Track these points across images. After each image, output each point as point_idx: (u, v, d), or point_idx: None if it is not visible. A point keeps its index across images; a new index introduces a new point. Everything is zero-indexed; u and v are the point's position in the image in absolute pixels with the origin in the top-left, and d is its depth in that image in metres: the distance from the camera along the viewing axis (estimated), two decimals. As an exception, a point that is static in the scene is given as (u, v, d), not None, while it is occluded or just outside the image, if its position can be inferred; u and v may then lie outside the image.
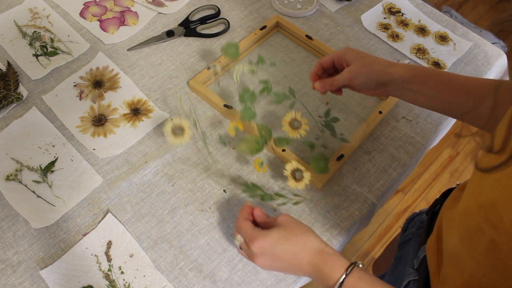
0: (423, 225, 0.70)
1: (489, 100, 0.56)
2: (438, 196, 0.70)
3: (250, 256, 0.56)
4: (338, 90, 0.69)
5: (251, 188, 0.68)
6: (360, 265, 0.52)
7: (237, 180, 0.70)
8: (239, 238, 0.58)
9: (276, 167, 0.72)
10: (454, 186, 0.67)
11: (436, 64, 0.87)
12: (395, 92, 0.64)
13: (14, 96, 0.76)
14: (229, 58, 0.78)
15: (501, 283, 0.40)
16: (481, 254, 0.41)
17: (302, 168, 0.66)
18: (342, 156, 0.72)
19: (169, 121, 0.65)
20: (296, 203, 0.69)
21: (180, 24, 0.89)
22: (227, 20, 0.89)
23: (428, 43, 0.91)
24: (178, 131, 0.65)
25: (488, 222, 0.38)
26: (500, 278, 0.39)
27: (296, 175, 0.65)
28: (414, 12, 0.96)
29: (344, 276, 0.50)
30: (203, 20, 0.90)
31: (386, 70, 0.62)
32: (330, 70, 0.69)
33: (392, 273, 0.72)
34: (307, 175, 0.65)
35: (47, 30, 0.86)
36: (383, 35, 0.91)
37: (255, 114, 0.70)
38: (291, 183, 0.65)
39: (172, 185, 0.70)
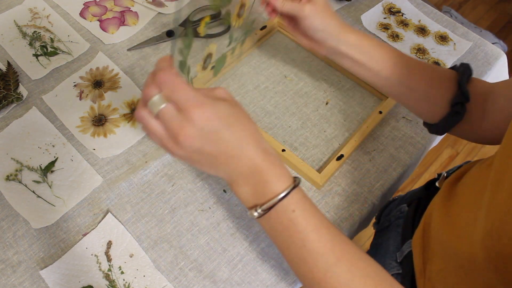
0: (403, 215, 0.68)
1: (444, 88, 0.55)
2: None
3: (177, 129, 0.40)
4: (273, 13, 0.63)
5: (186, 44, 0.51)
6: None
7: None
8: (157, 101, 0.40)
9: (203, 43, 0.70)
10: (435, 177, 0.66)
11: (436, 64, 0.87)
12: (332, 54, 0.62)
13: (14, 96, 0.76)
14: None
15: None
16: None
17: (213, 60, 0.60)
18: (342, 156, 0.72)
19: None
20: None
21: (180, 24, 0.89)
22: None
23: (428, 43, 0.91)
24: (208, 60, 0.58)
25: None
26: None
27: (206, 62, 0.57)
28: (414, 12, 0.96)
29: (289, 189, 0.42)
30: (203, 20, 0.90)
31: (341, 29, 0.60)
32: None
33: None
34: (209, 68, 0.60)
35: (47, 30, 0.86)
36: (383, 35, 0.91)
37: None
38: (198, 66, 0.57)
39: (172, 185, 0.70)
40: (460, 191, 0.53)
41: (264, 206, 0.42)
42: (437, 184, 0.65)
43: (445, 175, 0.65)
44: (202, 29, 0.61)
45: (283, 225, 0.42)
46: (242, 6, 0.63)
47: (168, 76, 0.40)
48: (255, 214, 0.43)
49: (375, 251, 0.71)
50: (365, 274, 0.40)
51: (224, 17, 0.62)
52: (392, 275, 0.59)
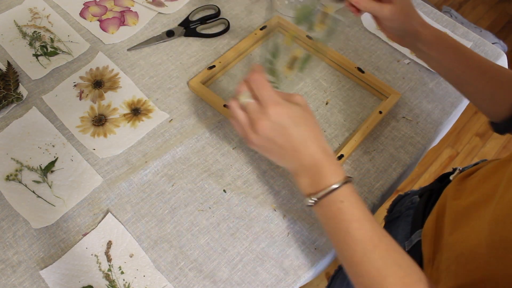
0: (414, 206, 0.69)
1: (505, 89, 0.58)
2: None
3: (258, 119, 0.50)
4: (358, 12, 0.66)
5: (271, 58, 0.65)
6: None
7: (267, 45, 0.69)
8: (245, 96, 0.52)
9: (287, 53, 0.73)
10: (450, 170, 0.68)
11: (436, 64, 0.87)
12: (412, 49, 0.67)
13: (14, 96, 0.76)
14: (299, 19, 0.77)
15: None
16: None
17: (300, 60, 0.68)
18: (342, 156, 0.72)
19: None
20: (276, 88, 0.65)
21: (180, 24, 0.89)
22: (227, 20, 0.89)
23: (428, 43, 0.91)
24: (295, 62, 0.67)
25: None
26: None
27: (294, 64, 0.66)
28: (414, 12, 0.96)
29: (341, 183, 0.49)
30: (203, 20, 0.90)
31: (418, 29, 0.63)
32: None
33: None
34: (294, 70, 0.68)
35: (47, 30, 0.86)
36: (383, 35, 0.91)
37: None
38: (285, 68, 0.67)
39: (172, 185, 0.70)
40: (474, 184, 0.54)
41: (318, 195, 0.50)
42: (451, 178, 0.66)
43: (460, 169, 0.66)
44: (288, 41, 0.71)
45: (332, 212, 0.49)
46: (324, 13, 0.70)
47: (257, 76, 0.51)
48: (310, 201, 0.51)
49: None
50: (397, 263, 0.45)
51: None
52: None
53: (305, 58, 0.70)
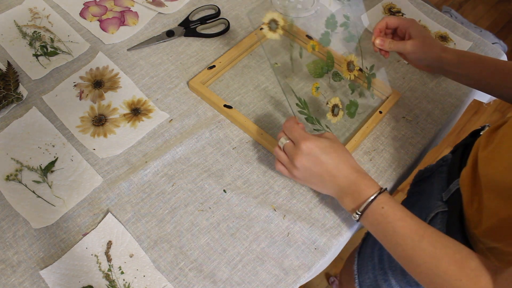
0: (447, 162, 0.74)
1: None
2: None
3: (295, 155, 0.60)
4: (387, 54, 0.76)
5: (302, 104, 0.70)
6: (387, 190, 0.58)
7: (296, 95, 0.72)
8: (283, 140, 0.62)
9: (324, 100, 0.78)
10: (479, 128, 0.73)
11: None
12: (440, 72, 0.74)
13: (14, 96, 0.76)
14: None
15: None
16: None
17: (340, 106, 0.73)
18: (342, 156, 0.72)
19: (268, 13, 0.68)
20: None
21: (180, 24, 0.89)
22: (227, 20, 0.89)
23: (428, 43, 0.91)
24: (273, 25, 0.68)
25: None
26: None
27: (334, 111, 0.72)
28: (414, 12, 0.96)
29: (378, 193, 0.56)
30: (203, 20, 0.90)
31: (441, 55, 0.70)
32: (388, 31, 0.77)
33: (413, 208, 0.74)
34: (340, 114, 0.73)
35: (47, 30, 0.86)
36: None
37: (330, 41, 0.76)
38: (329, 115, 0.72)
39: (172, 185, 0.70)
40: (504, 131, 0.59)
41: (361, 208, 0.57)
42: (481, 133, 0.70)
43: (489, 125, 0.70)
44: (314, 93, 0.73)
45: (377, 220, 0.56)
46: (350, 62, 0.76)
47: (288, 123, 0.62)
48: (356, 215, 0.58)
49: (417, 199, 0.76)
50: (445, 245, 0.50)
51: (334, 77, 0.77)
52: (437, 213, 0.66)
53: (349, 105, 0.75)
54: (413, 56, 0.72)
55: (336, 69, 0.79)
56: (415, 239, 0.52)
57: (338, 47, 0.81)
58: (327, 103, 0.72)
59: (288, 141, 0.62)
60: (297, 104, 0.70)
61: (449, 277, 0.48)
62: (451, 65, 0.70)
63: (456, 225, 0.63)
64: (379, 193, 0.57)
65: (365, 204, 0.56)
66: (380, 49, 0.75)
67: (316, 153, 0.59)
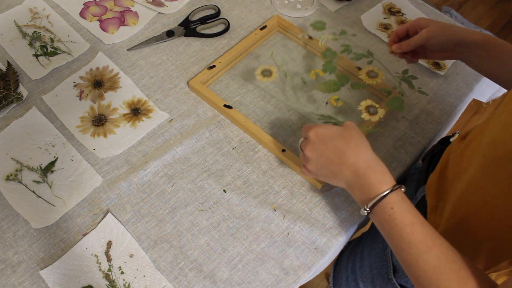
0: (418, 171, 0.73)
1: None
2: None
3: (305, 147, 0.59)
4: (414, 57, 0.73)
5: (326, 118, 0.72)
6: (403, 190, 0.54)
7: (312, 115, 0.73)
8: (300, 140, 0.62)
9: (352, 107, 0.77)
10: (449, 135, 0.72)
11: (436, 64, 0.87)
12: (466, 55, 0.67)
13: (14, 96, 0.76)
14: (316, 29, 0.83)
15: None
16: (506, 180, 0.43)
17: (376, 105, 0.71)
18: (342, 156, 0.72)
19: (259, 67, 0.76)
20: (370, 131, 0.72)
21: (180, 24, 0.89)
22: (227, 20, 0.89)
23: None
24: (267, 73, 0.75)
25: None
26: None
27: (370, 110, 0.71)
28: (414, 12, 0.96)
29: (389, 191, 0.52)
30: (203, 20, 0.90)
31: (462, 33, 0.65)
32: (404, 39, 0.73)
33: None
34: (381, 111, 0.71)
35: (47, 30, 0.86)
36: (383, 35, 0.91)
37: (335, 67, 0.77)
38: (365, 115, 0.70)
39: (172, 185, 0.70)
40: (474, 132, 0.58)
41: (369, 204, 0.53)
42: (451, 140, 0.69)
43: (459, 132, 0.69)
44: (335, 104, 0.74)
45: (385, 219, 0.52)
46: (370, 71, 0.76)
47: (304, 126, 0.61)
48: (364, 211, 0.54)
49: None
50: (451, 260, 0.47)
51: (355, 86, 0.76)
52: None
53: (391, 101, 0.74)
54: (434, 41, 0.67)
55: (354, 80, 0.78)
56: (421, 249, 0.49)
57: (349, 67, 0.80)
58: (326, 103, 0.72)
59: (302, 139, 0.61)
60: (319, 119, 0.72)
61: None
62: (476, 44, 0.64)
63: None
64: (391, 191, 0.52)
65: (373, 201, 0.53)
66: (405, 54, 0.73)
67: (322, 138, 0.57)
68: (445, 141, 0.71)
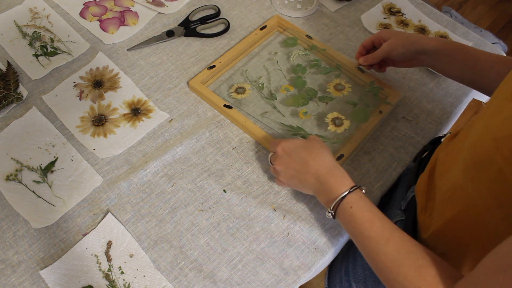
0: (409, 171, 0.73)
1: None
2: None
3: (274, 161, 0.63)
4: (382, 67, 0.78)
5: (295, 129, 0.75)
6: (363, 191, 0.58)
7: (284, 124, 0.76)
8: (269, 155, 0.66)
9: (320, 119, 0.78)
10: (440, 135, 0.73)
11: (436, 64, 0.87)
12: (428, 62, 0.71)
13: (14, 96, 0.76)
14: (287, 46, 0.87)
15: (499, 211, 0.44)
16: (485, 183, 0.45)
17: (342, 117, 0.76)
18: (342, 156, 0.72)
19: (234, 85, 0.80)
20: (334, 143, 0.74)
21: (180, 24, 0.89)
22: (227, 20, 0.89)
23: (428, 43, 0.91)
24: (240, 90, 0.79)
25: (499, 153, 0.41)
26: (500, 206, 0.44)
27: (336, 122, 0.75)
28: (414, 12, 0.96)
29: (347, 192, 0.56)
30: (203, 20, 0.90)
31: (421, 41, 0.69)
32: (371, 51, 0.78)
33: None
34: (346, 122, 0.75)
35: (47, 30, 0.86)
36: (383, 35, 0.91)
37: (305, 82, 0.81)
38: (331, 127, 0.75)
39: (172, 185, 0.70)
40: (461, 133, 0.59)
41: (331, 206, 0.57)
42: (442, 140, 0.69)
43: (451, 132, 0.69)
44: (303, 117, 0.77)
45: (346, 219, 0.56)
46: (337, 85, 0.81)
47: (271, 142, 0.66)
48: (328, 214, 0.58)
49: (383, 209, 0.75)
50: (410, 251, 0.49)
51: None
52: (396, 222, 0.67)
53: (356, 112, 0.77)
54: (395, 52, 0.71)
55: (323, 94, 0.80)
56: (380, 243, 0.51)
57: (318, 81, 0.82)
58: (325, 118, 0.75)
59: (271, 154, 0.66)
60: (288, 131, 0.75)
61: (408, 283, 0.47)
62: (436, 51, 0.68)
63: (410, 234, 0.61)
64: (349, 192, 0.56)
65: (334, 203, 0.56)
66: (373, 66, 0.78)
67: (288, 152, 0.62)
68: (437, 141, 0.71)
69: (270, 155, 0.66)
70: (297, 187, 0.64)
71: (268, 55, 0.86)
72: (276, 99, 0.79)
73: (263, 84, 0.81)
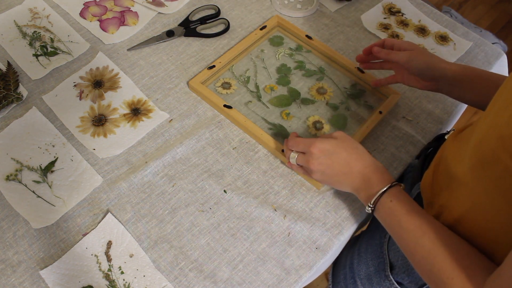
0: (413, 168, 0.74)
1: None
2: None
3: (308, 162, 0.62)
4: (380, 66, 0.76)
5: (277, 127, 0.76)
6: (402, 187, 0.59)
7: (267, 121, 0.77)
8: (293, 155, 0.65)
9: (301, 121, 0.78)
10: (444, 132, 0.73)
11: (436, 64, 0.87)
12: (445, 87, 0.68)
13: (14, 96, 0.76)
14: (274, 45, 0.88)
15: (506, 210, 0.44)
16: (492, 181, 0.45)
17: (323, 121, 0.77)
18: (342, 156, 0.72)
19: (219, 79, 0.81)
20: None
21: (180, 24, 0.89)
22: (227, 20, 0.89)
23: (428, 43, 0.91)
24: (226, 85, 0.80)
25: (505, 151, 0.41)
26: (507, 205, 0.44)
27: (317, 126, 0.76)
28: (414, 12, 0.96)
29: (388, 186, 0.58)
30: (203, 20, 0.90)
31: (441, 65, 0.67)
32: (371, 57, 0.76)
33: None
34: (326, 127, 0.77)
35: (47, 30, 0.86)
36: (383, 35, 0.91)
37: (289, 81, 0.82)
38: (312, 130, 0.76)
39: (173, 186, 0.70)
40: (466, 131, 0.59)
41: (372, 201, 0.58)
42: (446, 137, 0.69)
43: (454, 129, 0.70)
44: (286, 118, 0.77)
45: (386, 213, 0.57)
46: (319, 88, 0.82)
47: (291, 140, 0.66)
48: (368, 209, 0.59)
49: None
50: (445, 243, 0.50)
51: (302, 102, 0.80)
52: None
53: (335, 118, 0.78)
54: (414, 64, 0.68)
55: (306, 96, 0.80)
56: (417, 235, 0.52)
57: (302, 83, 0.82)
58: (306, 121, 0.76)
59: (297, 154, 0.65)
60: (270, 129, 0.76)
61: (442, 275, 0.48)
62: (455, 77, 0.66)
63: None
64: (390, 187, 0.58)
65: (375, 197, 0.58)
66: (372, 62, 0.76)
67: (327, 152, 0.61)
68: (440, 138, 0.71)
69: (295, 156, 0.65)
70: (332, 185, 0.65)
71: (257, 52, 0.86)
72: (260, 97, 0.80)
73: (249, 77, 0.82)
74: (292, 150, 0.65)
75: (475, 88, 0.66)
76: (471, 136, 0.51)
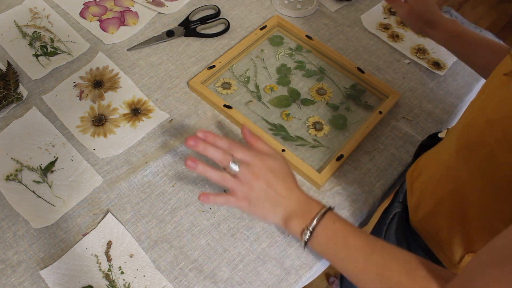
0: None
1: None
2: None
3: (246, 178, 0.55)
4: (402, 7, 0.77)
5: (277, 128, 0.76)
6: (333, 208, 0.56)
7: (267, 121, 0.77)
8: (233, 166, 0.56)
9: (301, 121, 0.77)
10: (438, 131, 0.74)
11: (436, 64, 0.87)
12: (433, 35, 0.74)
13: (14, 96, 0.76)
14: (274, 44, 0.88)
15: (489, 190, 0.46)
16: (477, 164, 0.46)
17: (323, 122, 0.77)
18: (342, 156, 0.72)
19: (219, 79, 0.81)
20: (313, 147, 0.74)
21: (180, 24, 0.89)
22: (227, 20, 0.89)
23: (428, 43, 0.91)
24: (226, 85, 0.80)
25: (492, 135, 0.43)
26: (490, 185, 0.46)
27: (317, 126, 0.76)
28: (414, 12, 0.96)
29: (327, 209, 0.54)
30: (203, 20, 0.90)
31: (438, 16, 0.73)
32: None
33: (386, 212, 0.78)
34: (326, 127, 0.77)
35: (47, 30, 0.86)
36: (383, 35, 0.91)
37: (289, 81, 0.82)
38: (312, 131, 0.76)
39: (173, 186, 0.70)
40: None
41: (312, 224, 0.53)
42: (439, 135, 0.69)
43: (448, 128, 0.70)
44: (286, 118, 0.77)
45: (329, 236, 0.53)
46: (319, 88, 0.82)
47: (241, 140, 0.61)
48: (306, 237, 0.54)
49: (390, 204, 0.77)
50: (395, 256, 0.50)
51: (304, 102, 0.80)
52: (395, 214, 0.69)
53: (335, 118, 0.78)
54: (426, 3, 0.73)
55: (306, 97, 0.81)
56: (367, 252, 0.51)
57: (302, 83, 0.82)
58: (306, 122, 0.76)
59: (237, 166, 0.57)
60: (270, 129, 0.76)
61: (401, 287, 0.47)
62: (447, 30, 0.72)
63: (403, 223, 0.65)
64: (328, 209, 0.55)
65: (316, 219, 0.53)
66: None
67: (268, 175, 0.56)
68: (434, 136, 0.72)
69: (234, 167, 0.57)
70: (265, 210, 0.57)
71: (257, 52, 0.86)
72: (260, 97, 0.80)
73: (249, 77, 0.82)
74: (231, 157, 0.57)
75: (463, 42, 0.70)
76: (458, 124, 0.53)
